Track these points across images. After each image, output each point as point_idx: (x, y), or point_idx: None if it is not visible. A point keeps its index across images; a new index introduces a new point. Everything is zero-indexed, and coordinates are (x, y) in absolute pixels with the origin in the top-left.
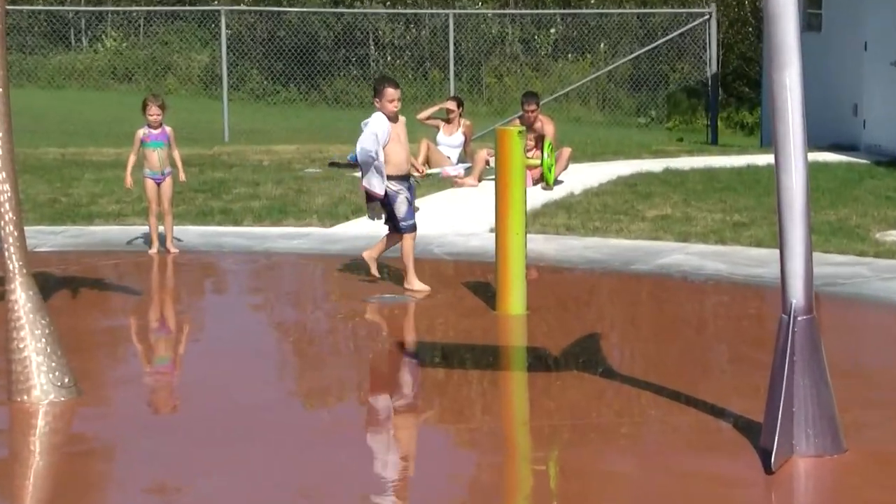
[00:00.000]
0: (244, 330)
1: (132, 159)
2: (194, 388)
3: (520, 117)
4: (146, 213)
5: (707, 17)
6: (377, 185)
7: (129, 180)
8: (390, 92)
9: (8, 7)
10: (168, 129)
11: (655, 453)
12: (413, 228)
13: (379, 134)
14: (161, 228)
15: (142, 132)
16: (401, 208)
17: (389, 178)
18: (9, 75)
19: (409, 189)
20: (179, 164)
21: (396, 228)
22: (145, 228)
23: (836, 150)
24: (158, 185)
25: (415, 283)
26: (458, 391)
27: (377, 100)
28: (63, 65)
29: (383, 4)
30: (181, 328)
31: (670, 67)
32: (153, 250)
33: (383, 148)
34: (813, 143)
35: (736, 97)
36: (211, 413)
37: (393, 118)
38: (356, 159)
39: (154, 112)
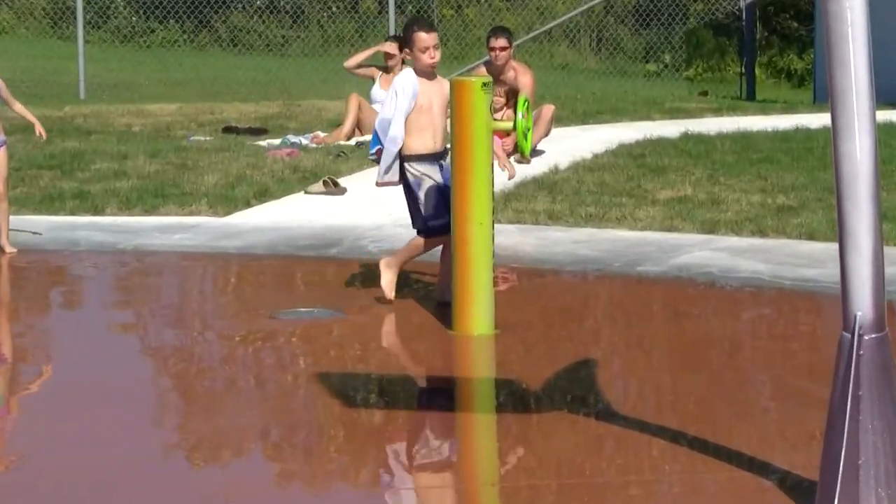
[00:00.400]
0: (107, 359)
1: None
2: (40, 438)
3: (485, 64)
4: None
5: None
6: (382, 171)
7: None
8: (422, 38)
9: None
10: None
11: None
12: (440, 232)
13: (400, 93)
14: None
15: None
16: (426, 201)
17: (410, 158)
18: None
19: (445, 172)
20: (32, 118)
21: (417, 228)
22: None
23: None
24: None
25: (386, 288)
26: (403, 440)
27: (407, 51)
28: None
29: None
30: (21, 357)
31: None
32: None
33: (409, 115)
34: (885, 97)
35: (780, 35)
36: (62, 473)
37: (428, 75)
38: (378, 144)
39: None
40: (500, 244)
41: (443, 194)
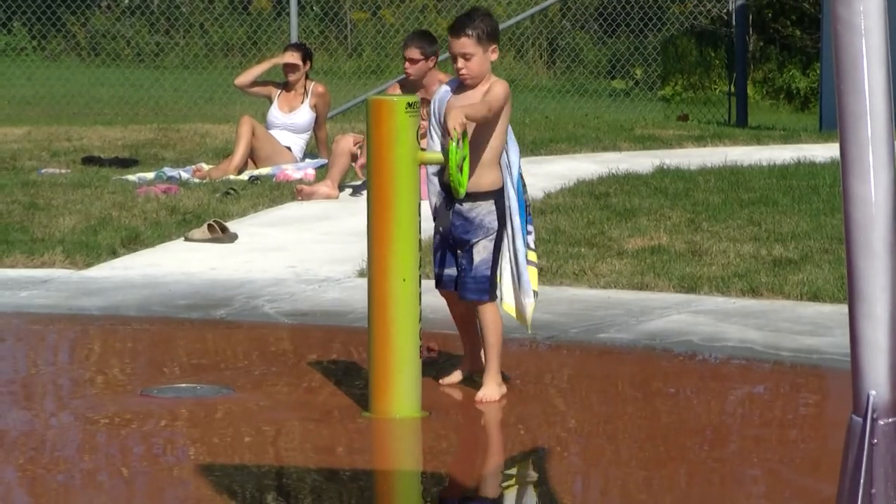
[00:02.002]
0: None
1: None
2: None
3: (399, 82)
4: None
5: None
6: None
7: None
8: (448, 42)
9: None
10: None
11: None
12: (485, 294)
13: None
14: None
15: None
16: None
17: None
18: None
19: (456, 217)
20: None
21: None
22: None
23: None
24: None
25: (493, 390)
26: None
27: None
28: None
29: None
30: None
31: None
32: None
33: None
34: None
35: (780, 46)
36: None
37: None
38: None
39: None
40: (429, 305)
41: (440, 241)
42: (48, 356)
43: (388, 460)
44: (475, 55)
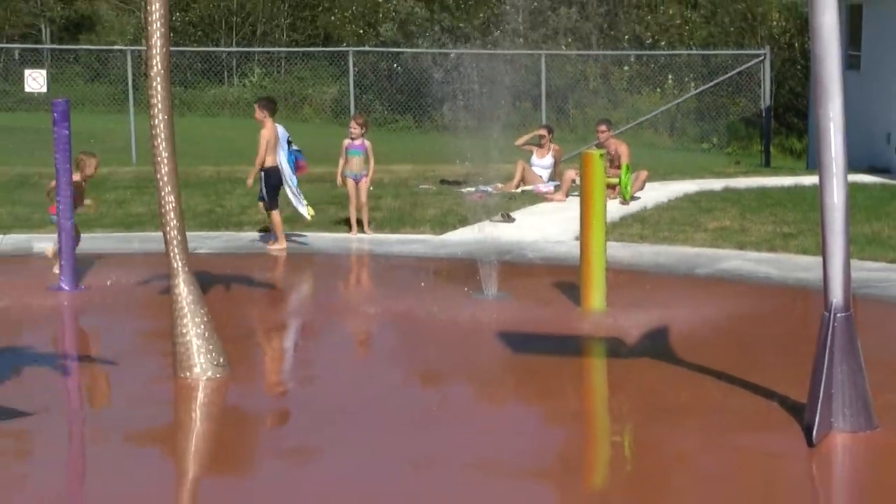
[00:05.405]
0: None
1: (341, 163)
2: (320, 371)
3: (596, 145)
4: (346, 203)
5: (762, 57)
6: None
7: (340, 180)
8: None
9: (172, 48)
10: (367, 142)
11: (716, 431)
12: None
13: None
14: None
15: (346, 142)
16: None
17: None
18: (172, 105)
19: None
20: (371, 172)
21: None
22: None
23: (872, 173)
24: (357, 183)
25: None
26: (547, 374)
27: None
28: (217, 97)
29: (484, 47)
30: (316, 324)
31: (730, 100)
32: (354, 233)
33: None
34: (852, 165)
35: (786, 126)
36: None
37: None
38: None
39: (355, 126)
40: (609, 254)
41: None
42: (422, 279)
43: (591, 330)
44: None
